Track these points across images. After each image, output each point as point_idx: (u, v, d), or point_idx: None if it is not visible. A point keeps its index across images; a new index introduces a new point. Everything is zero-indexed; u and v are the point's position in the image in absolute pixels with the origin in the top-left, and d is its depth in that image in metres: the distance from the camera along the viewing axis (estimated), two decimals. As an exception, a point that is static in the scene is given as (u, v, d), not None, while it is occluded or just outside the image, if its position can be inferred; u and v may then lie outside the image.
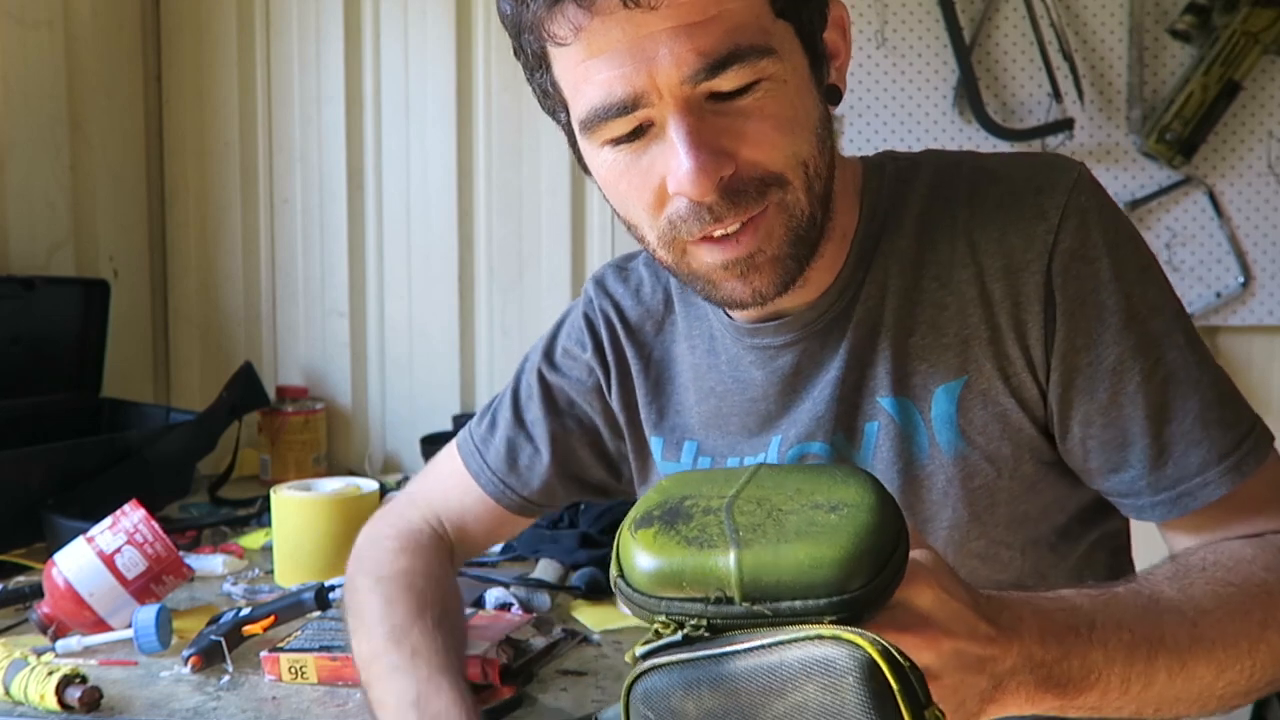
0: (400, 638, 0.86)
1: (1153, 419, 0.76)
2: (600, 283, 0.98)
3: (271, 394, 2.02)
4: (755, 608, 0.50)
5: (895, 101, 1.93)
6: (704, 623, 0.51)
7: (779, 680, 0.48)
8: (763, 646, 0.48)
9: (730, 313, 0.87)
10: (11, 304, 1.68)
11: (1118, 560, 0.91)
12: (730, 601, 0.50)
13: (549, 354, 0.99)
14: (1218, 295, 1.87)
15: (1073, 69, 1.86)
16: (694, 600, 0.51)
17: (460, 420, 2.01)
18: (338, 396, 2.13)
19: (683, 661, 0.50)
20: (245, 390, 1.90)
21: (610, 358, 0.95)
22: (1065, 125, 1.85)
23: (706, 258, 0.75)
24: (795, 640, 0.48)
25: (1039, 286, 0.77)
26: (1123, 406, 0.77)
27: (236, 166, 2.13)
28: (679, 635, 0.51)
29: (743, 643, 0.49)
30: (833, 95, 0.78)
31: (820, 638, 0.48)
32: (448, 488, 1.03)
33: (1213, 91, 1.80)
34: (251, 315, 2.15)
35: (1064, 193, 0.77)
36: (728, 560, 0.50)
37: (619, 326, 0.95)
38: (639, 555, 0.53)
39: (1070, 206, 0.77)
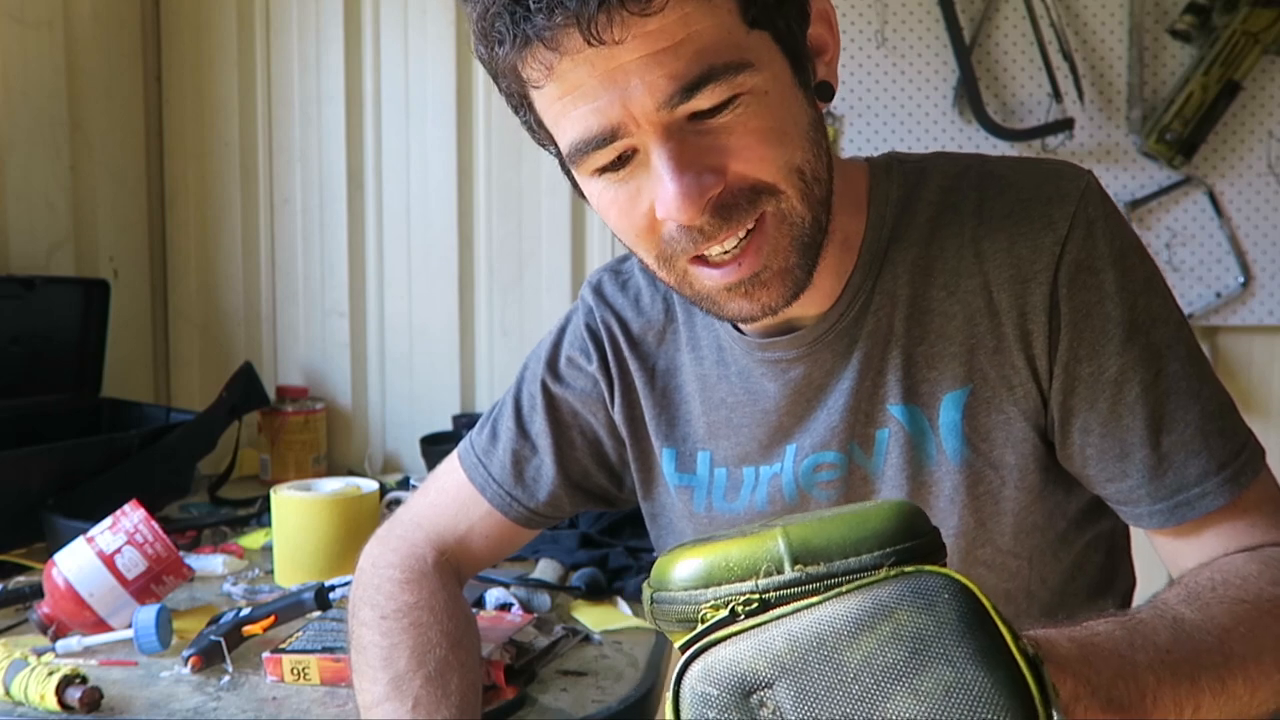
0: (404, 687, 0.85)
1: (1152, 429, 0.76)
2: (599, 291, 0.97)
3: (271, 394, 2.02)
4: (810, 569, 0.48)
5: (895, 101, 1.93)
6: (755, 598, 0.48)
7: (865, 617, 0.45)
8: (838, 595, 0.46)
9: (739, 325, 0.87)
10: (11, 304, 1.68)
11: (1111, 561, 0.91)
12: (781, 573, 0.48)
13: (552, 364, 0.98)
14: (1218, 295, 1.87)
15: (1073, 69, 1.86)
16: (741, 582, 0.49)
17: (460, 420, 2.02)
18: (338, 396, 2.13)
19: (748, 628, 0.47)
20: (245, 390, 1.90)
21: (614, 370, 0.94)
22: (1065, 125, 1.85)
23: (707, 280, 0.74)
24: (874, 582, 0.46)
25: (1045, 297, 0.77)
26: (1122, 417, 0.77)
27: (236, 166, 2.13)
28: (727, 614, 0.48)
29: (814, 596, 0.47)
30: (824, 92, 0.76)
31: (903, 574, 0.46)
32: (451, 503, 1.01)
33: (1213, 91, 1.80)
34: (251, 315, 2.15)
35: (1072, 203, 0.77)
36: (774, 534, 0.49)
37: (621, 338, 0.94)
38: (678, 564, 0.51)
39: (1078, 217, 0.77)
